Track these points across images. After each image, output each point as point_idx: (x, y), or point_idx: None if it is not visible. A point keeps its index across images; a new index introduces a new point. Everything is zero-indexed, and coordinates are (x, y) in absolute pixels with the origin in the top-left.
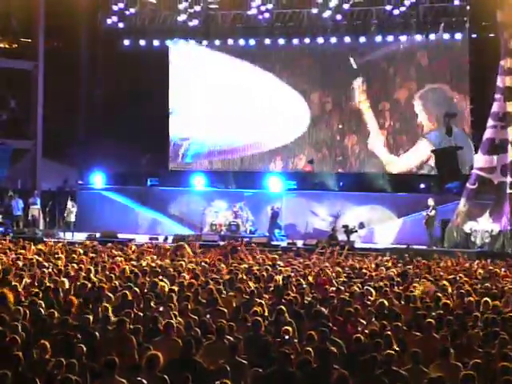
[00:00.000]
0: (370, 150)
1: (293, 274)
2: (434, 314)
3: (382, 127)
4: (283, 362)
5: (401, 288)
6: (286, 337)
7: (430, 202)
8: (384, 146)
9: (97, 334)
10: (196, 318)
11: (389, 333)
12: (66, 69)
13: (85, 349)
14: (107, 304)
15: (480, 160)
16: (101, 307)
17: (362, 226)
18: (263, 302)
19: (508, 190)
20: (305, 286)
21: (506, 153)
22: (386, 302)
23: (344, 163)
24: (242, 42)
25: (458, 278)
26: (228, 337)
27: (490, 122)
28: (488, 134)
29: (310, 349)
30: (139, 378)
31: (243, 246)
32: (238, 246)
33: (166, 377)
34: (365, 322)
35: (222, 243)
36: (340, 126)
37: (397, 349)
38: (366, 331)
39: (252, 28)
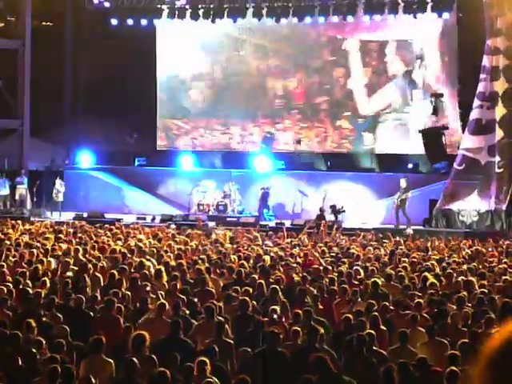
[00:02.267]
0: (349, 89)
1: (282, 254)
2: (420, 293)
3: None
4: (271, 341)
5: (389, 268)
6: (275, 316)
7: (403, 182)
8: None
9: (91, 313)
10: (184, 298)
11: (375, 313)
12: (53, 48)
13: (68, 329)
14: (95, 284)
15: (467, 140)
16: (88, 287)
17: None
18: (253, 281)
19: (496, 170)
20: (293, 265)
21: (492, 133)
22: (373, 282)
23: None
24: (229, 21)
25: (445, 258)
26: (216, 316)
27: (477, 102)
28: (475, 114)
29: (298, 328)
30: (128, 356)
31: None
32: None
33: (153, 356)
34: (352, 303)
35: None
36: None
37: (384, 328)
38: (353, 311)
39: (239, 8)
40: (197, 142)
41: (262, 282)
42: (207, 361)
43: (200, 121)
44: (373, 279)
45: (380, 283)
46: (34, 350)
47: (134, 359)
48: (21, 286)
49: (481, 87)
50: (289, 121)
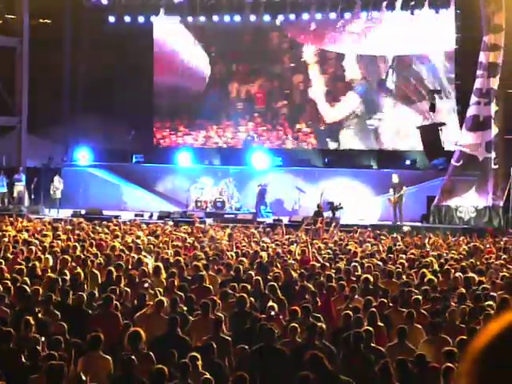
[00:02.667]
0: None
1: (279, 251)
2: (418, 290)
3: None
4: (268, 338)
5: (387, 264)
6: (272, 313)
7: (395, 178)
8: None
9: (89, 311)
10: (182, 294)
11: (373, 309)
12: (51, 45)
13: (66, 326)
14: (93, 281)
15: (464, 137)
16: (86, 284)
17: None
18: (250, 278)
19: (492, 166)
20: (291, 262)
21: (489, 129)
22: (371, 279)
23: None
24: (227, 18)
25: (443, 254)
26: (213, 313)
27: (474, 99)
28: (472, 110)
29: (296, 325)
30: (124, 353)
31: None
32: None
33: (150, 353)
34: (349, 299)
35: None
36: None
37: (381, 325)
38: (351, 307)
39: (238, 5)
40: (195, 139)
41: (260, 278)
42: (198, 356)
43: (199, 117)
44: (370, 275)
45: (378, 280)
46: (37, 348)
47: (133, 357)
48: (18, 284)
49: (478, 84)
50: (251, 123)
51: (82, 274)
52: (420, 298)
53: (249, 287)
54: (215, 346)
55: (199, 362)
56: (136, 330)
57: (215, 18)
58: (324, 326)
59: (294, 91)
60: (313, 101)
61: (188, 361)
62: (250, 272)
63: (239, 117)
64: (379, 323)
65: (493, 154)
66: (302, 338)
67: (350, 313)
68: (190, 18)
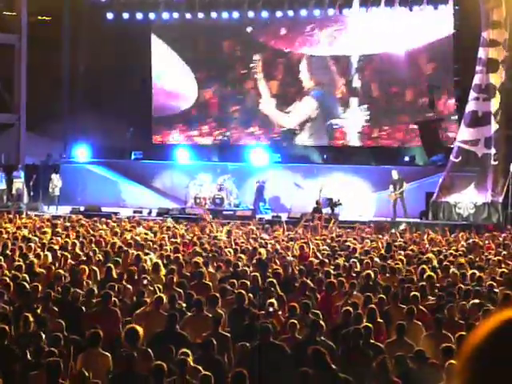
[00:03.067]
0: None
1: (278, 248)
2: (418, 286)
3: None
4: (265, 334)
5: (386, 260)
6: (271, 309)
7: (395, 174)
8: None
9: (83, 308)
10: (181, 291)
11: (373, 306)
12: (50, 42)
13: (64, 323)
14: (92, 278)
15: (463, 133)
16: (86, 281)
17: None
18: (249, 275)
19: (492, 162)
20: (290, 258)
21: (489, 125)
22: (371, 275)
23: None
24: (225, 14)
25: (442, 251)
26: (212, 309)
27: (473, 95)
28: (471, 106)
29: (295, 321)
30: (123, 349)
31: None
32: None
33: (149, 350)
34: (348, 295)
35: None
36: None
37: (381, 321)
38: (349, 302)
39: (236, 1)
40: (193, 136)
41: (258, 275)
42: (189, 352)
43: (197, 114)
44: (370, 271)
45: (377, 276)
46: (42, 345)
47: (134, 353)
48: (18, 281)
49: (477, 79)
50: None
51: (81, 271)
52: (419, 294)
53: (248, 283)
54: (215, 342)
55: (190, 358)
56: (133, 328)
57: (213, 14)
58: (322, 322)
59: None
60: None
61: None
62: (248, 268)
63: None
64: (379, 319)
65: (492, 150)
66: (302, 334)
67: (350, 309)
68: (188, 15)
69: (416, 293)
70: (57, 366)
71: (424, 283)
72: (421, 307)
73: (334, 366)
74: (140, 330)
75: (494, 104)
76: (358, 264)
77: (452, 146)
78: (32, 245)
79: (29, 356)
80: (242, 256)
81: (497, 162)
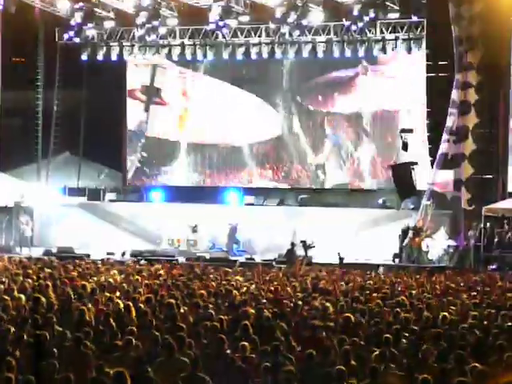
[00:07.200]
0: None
1: (252, 289)
2: (391, 329)
3: None
4: (241, 377)
5: (359, 303)
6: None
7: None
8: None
9: (54, 351)
10: (155, 333)
11: (347, 347)
12: (24, 84)
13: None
14: (65, 320)
15: (435, 175)
16: (57, 323)
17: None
18: (222, 318)
19: (466, 206)
20: (263, 301)
21: (459, 167)
22: (345, 317)
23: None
24: (200, 56)
25: (415, 293)
26: (188, 352)
27: (445, 137)
28: (442, 148)
29: (268, 364)
30: None
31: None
32: None
33: None
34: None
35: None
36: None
37: (354, 364)
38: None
39: (211, 43)
40: (167, 178)
41: (232, 317)
42: None
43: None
44: (345, 314)
45: (352, 318)
46: None
47: None
48: None
49: (449, 121)
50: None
51: (53, 314)
52: (392, 337)
53: (220, 327)
54: None
55: None
56: (121, 371)
57: (188, 55)
58: (293, 368)
59: None
60: None
61: None
62: (222, 311)
63: None
64: (352, 362)
65: (463, 193)
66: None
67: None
68: (163, 55)
69: (389, 335)
70: None
71: (398, 326)
72: (393, 350)
73: None
74: (127, 373)
75: (467, 147)
76: (330, 306)
77: (424, 190)
78: (1, 286)
79: None
80: (214, 299)
81: (473, 207)
